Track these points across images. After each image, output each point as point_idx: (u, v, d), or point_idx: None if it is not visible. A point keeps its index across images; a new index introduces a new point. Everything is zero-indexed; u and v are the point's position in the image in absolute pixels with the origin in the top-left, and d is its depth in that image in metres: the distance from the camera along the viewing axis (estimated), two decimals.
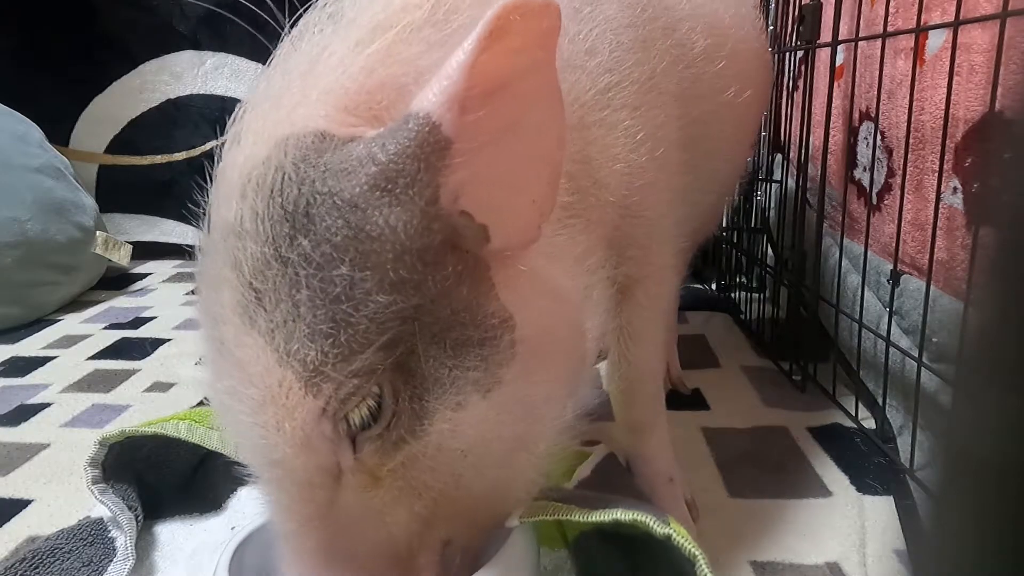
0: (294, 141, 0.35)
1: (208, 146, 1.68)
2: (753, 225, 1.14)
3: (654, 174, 0.50)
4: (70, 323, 1.24)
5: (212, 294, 0.36)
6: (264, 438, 0.35)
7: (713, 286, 1.28)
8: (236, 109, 0.39)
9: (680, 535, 0.45)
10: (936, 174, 0.61)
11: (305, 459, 0.35)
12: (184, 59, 1.70)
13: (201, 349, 0.38)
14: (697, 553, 0.44)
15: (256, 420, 0.35)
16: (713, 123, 0.60)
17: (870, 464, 0.71)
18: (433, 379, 0.35)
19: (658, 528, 0.45)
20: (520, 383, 0.38)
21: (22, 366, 1.04)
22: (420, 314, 0.34)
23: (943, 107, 0.60)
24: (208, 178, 0.39)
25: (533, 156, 0.37)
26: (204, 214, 0.38)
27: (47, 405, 0.89)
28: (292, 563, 0.38)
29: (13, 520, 0.65)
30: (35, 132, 1.40)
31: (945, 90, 0.59)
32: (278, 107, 0.36)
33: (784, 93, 1.02)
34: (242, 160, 0.36)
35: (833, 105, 0.82)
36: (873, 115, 0.74)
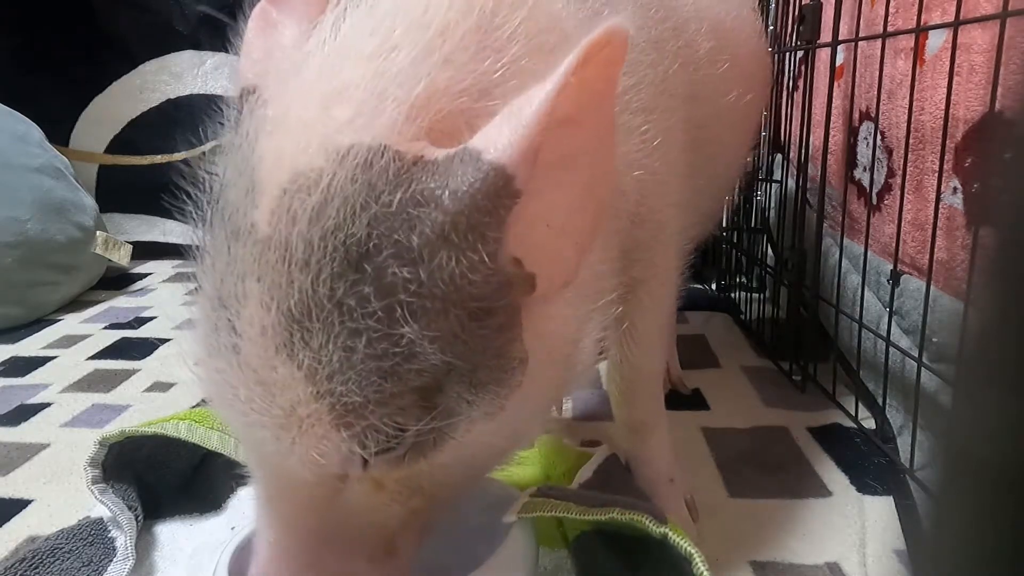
0: (359, 159, 0.31)
1: (208, 146, 1.68)
2: (753, 225, 1.14)
3: (665, 178, 0.50)
4: (70, 323, 1.24)
5: (230, 302, 0.33)
6: (275, 450, 0.34)
7: (713, 286, 1.28)
8: (249, 89, 0.35)
9: (677, 534, 0.45)
10: (936, 174, 0.61)
11: (314, 475, 0.34)
12: (184, 59, 1.70)
13: (199, 336, 0.36)
14: (693, 552, 0.44)
15: (270, 433, 0.33)
16: (715, 125, 0.61)
17: (870, 464, 0.71)
18: (452, 412, 0.34)
19: (654, 527, 0.45)
20: (522, 405, 0.37)
21: (22, 366, 1.04)
22: (457, 360, 0.33)
23: (943, 107, 0.60)
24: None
25: (584, 193, 0.35)
26: (202, 202, 0.36)
27: (47, 405, 0.89)
28: (276, 554, 0.38)
29: (13, 520, 0.65)
30: (35, 132, 1.40)
31: (945, 90, 0.59)
32: (335, 102, 0.32)
33: (784, 93, 1.02)
34: (281, 160, 0.32)
35: (833, 105, 0.82)
36: (873, 115, 0.74)
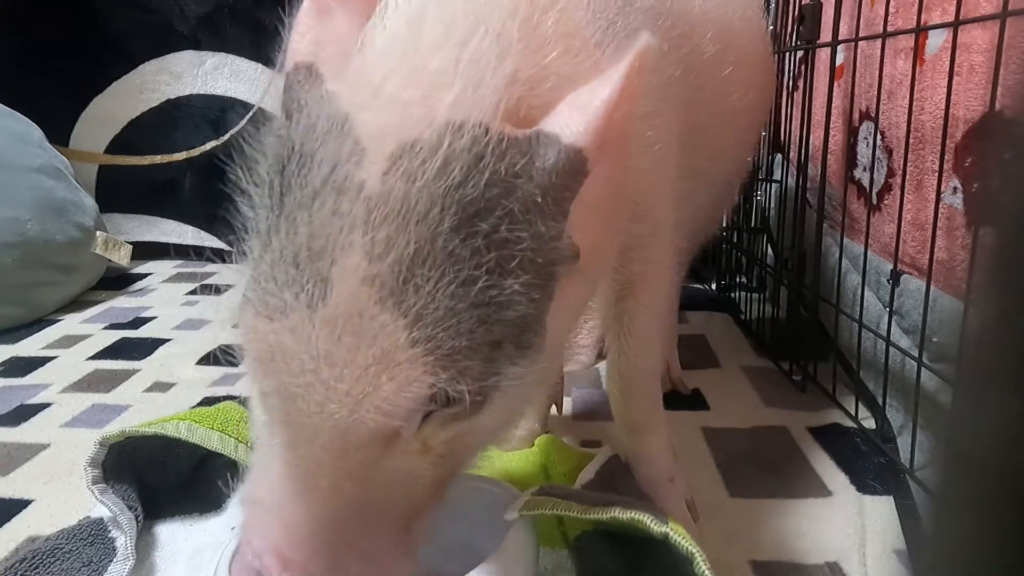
0: (472, 134, 0.34)
1: (208, 146, 1.69)
2: (753, 225, 1.14)
3: (660, 177, 0.51)
4: (70, 323, 1.24)
5: (325, 255, 0.34)
6: (338, 408, 0.34)
7: (713, 286, 1.28)
8: (304, 65, 0.37)
9: (678, 534, 0.45)
10: (936, 174, 0.61)
11: (378, 425, 0.35)
12: (184, 59, 1.69)
13: (261, 297, 0.36)
14: (695, 551, 0.44)
15: (343, 387, 0.34)
16: (717, 126, 0.61)
17: (870, 464, 0.71)
18: (500, 371, 0.37)
19: (655, 527, 0.45)
20: (534, 373, 0.39)
21: (22, 366, 1.04)
22: (517, 320, 0.36)
23: (943, 107, 0.60)
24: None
25: (613, 181, 0.39)
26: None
27: (47, 405, 0.89)
28: (295, 529, 0.37)
29: (13, 520, 0.65)
30: (35, 132, 1.40)
31: (945, 90, 0.59)
32: (436, 85, 0.35)
33: (784, 93, 1.02)
34: (386, 131, 0.35)
35: (833, 105, 0.82)
36: (873, 115, 0.74)
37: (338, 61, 0.37)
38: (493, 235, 0.35)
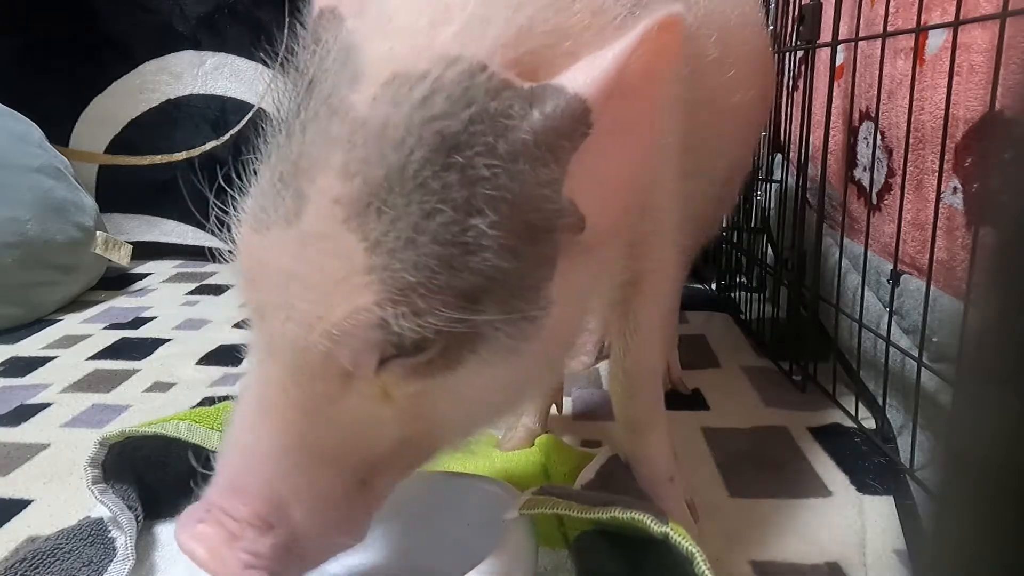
0: (466, 68, 0.34)
1: (208, 146, 1.69)
2: (753, 225, 1.14)
3: (663, 173, 0.52)
4: (70, 323, 1.24)
5: (307, 171, 0.34)
6: (300, 328, 0.34)
7: (713, 286, 1.28)
8: (329, 8, 0.38)
9: (678, 534, 0.45)
10: (936, 174, 0.61)
11: (331, 351, 0.34)
12: (184, 59, 1.70)
13: (252, 212, 0.36)
14: (694, 551, 0.44)
15: (306, 307, 0.34)
16: (718, 124, 0.61)
17: (870, 464, 0.71)
18: (480, 335, 0.36)
19: (655, 527, 0.45)
20: (536, 356, 0.39)
21: (22, 366, 1.04)
22: (505, 277, 0.35)
23: (943, 107, 0.60)
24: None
25: (634, 160, 0.38)
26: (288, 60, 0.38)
27: (47, 405, 0.89)
28: (249, 458, 0.37)
29: (13, 520, 0.65)
30: (35, 132, 1.39)
31: (945, 90, 0.59)
32: (442, 19, 0.35)
33: (784, 93, 1.02)
34: (386, 58, 0.35)
35: (833, 105, 0.82)
36: (873, 115, 0.74)
37: (358, 5, 0.37)
38: (468, 170, 0.33)
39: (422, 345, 0.34)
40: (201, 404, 0.88)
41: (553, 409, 0.80)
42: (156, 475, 0.64)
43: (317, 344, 0.34)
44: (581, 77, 0.34)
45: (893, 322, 0.72)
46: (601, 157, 0.36)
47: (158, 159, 1.70)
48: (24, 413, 0.87)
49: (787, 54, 0.98)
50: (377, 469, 0.38)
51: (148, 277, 1.53)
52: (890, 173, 0.73)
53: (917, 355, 0.65)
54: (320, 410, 0.36)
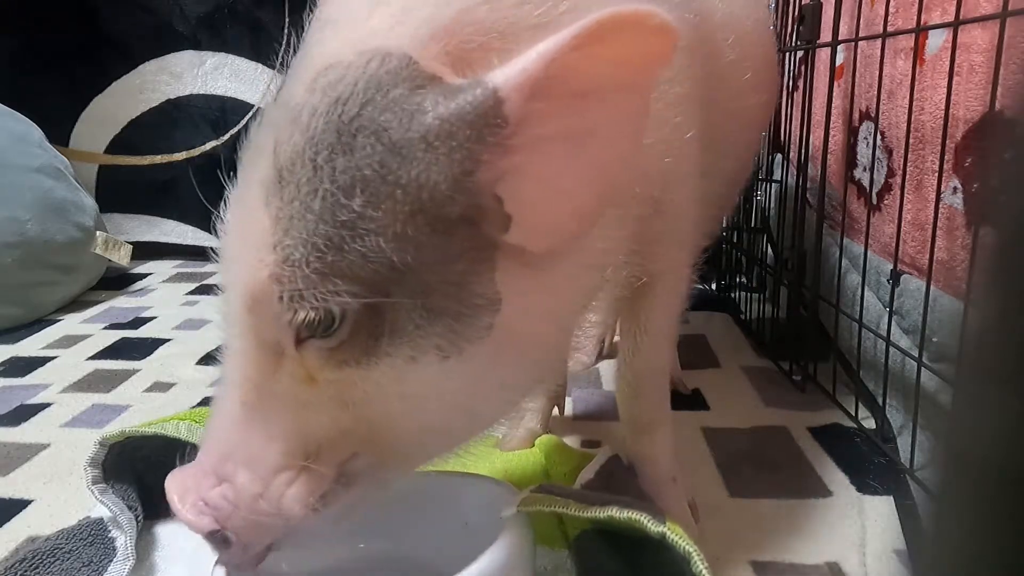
0: (379, 59, 0.35)
1: (208, 146, 1.69)
2: (753, 225, 1.14)
3: (688, 172, 0.51)
4: (70, 323, 1.24)
5: (254, 154, 0.38)
6: (232, 290, 0.38)
7: (713, 286, 1.28)
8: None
9: (675, 533, 0.45)
10: (936, 174, 0.61)
11: (250, 323, 0.37)
12: (184, 59, 1.70)
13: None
14: (692, 551, 0.44)
15: (233, 271, 0.37)
16: (729, 125, 0.61)
17: (870, 464, 0.71)
18: (397, 329, 0.36)
19: (652, 527, 0.45)
20: (483, 362, 0.38)
21: (22, 366, 1.04)
22: (409, 270, 0.35)
23: (943, 107, 0.60)
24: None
25: (594, 168, 0.37)
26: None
27: (47, 405, 0.89)
28: (212, 424, 0.40)
29: (13, 520, 0.65)
30: (35, 132, 1.40)
31: (945, 90, 0.59)
32: (378, 14, 0.37)
33: (784, 93, 1.02)
34: (328, 49, 0.37)
35: (833, 105, 0.82)
36: (873, 115, 0.74)
37: (335, 7, 0.39)
38: (362, 155, 0.34)
39: (328, 327, 0.36)
40: (201, 404, 0.88)
41: (555, 411, 0.80)
42: (156, 475, 0.63)
43: (242, 317, 0.37)
44: (503, 73, 0.33)
45: (893, 322, 0.72)
46: (546, 158, 0.35)
47: (158, 159, 1.70)
48: (24, 413, 0.87)
49: (787, 54, 0.98)
50: (322, 453, 0.39)
51: (148, 277, 1.53)
52: (890, 173, 0.73)
53: (917, 355, 0.65)
54: (263, 383, 0.38)
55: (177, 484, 0.40)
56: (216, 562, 0.45)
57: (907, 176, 0.68)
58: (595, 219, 0.38)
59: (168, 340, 1.13)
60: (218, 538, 0.39)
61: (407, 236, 0.35)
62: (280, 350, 0.37)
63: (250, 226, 0.36)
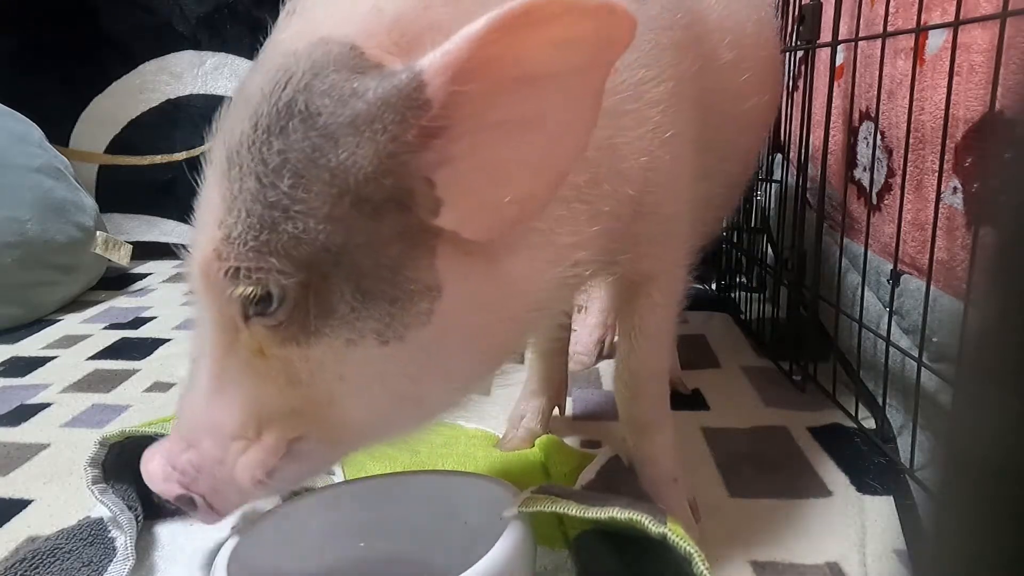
0: (324, 47, 0.36)
1: (208, 146, 1.68)
2: (753, 225, 1.14)
3: (676, 173, 0.51)
4: (70, 323, 1.24)
5: (218, 137, 0.39)
6: (191, 262, 0.40)
7: (713, 286, 1.28)
8: None
9: (676, 534, 0.45)
10: (936, 174, 0.61)
11: (208, 298, 0.39)
12: (184, 59, 1.70)
13: None
14: (693, 551, 0.44)
15: (192, 245, 0.40)
16: (728, 127, 0.61)
17: (870, 464, 0.71)
18: (334, 311, 0.37)
19: (653, 527, 0.45)
20: (425, 349, 0.39)
21: (22, 366, 1.04)
22: (342, 252, 0.36)
23: (943, 107, 0.60)
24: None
25: (539, 157, 0.37)
26: None
27: (47, 405, 0.89)
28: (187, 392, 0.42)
29: (13, 520, 0.65)
30: (35, 132, 1.40)
31: (945, 90, 0.59)
32: (336, 5, 0.38)
33: (784, 93, 1.02)
34: (286, 38, 0.38)
35: (833, 105, 0.82)
36: (873, 115, 0.74)
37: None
38: (295, 138, 0.35)
39: (268, 304, 0.37)
40: None
41: (555, 411, 0.80)
42: None
43: (201, 292, 0.39)
44: (429, 57, 0.33)
45: (893, 322, 0.72)
46: (485, 144, 0.35)
47: (158, 159, 1.70)
48: (24, 413, 0.87)
49: (787, 54, 0.98)
50: (273, 427, 0.40)
51: (148, 277, 1.53)
52: (890, 173, 0.73)
53: (917, 355, 0.65)
54: (224, 356, 0.40)
55: (150, 452, 0.42)
56: (216, 562, 0.45)
57: (907, 176, 0.68)
58: (540, 208, 0.38)
59: (168, 340, 1.13)
60: (184, 500, 0.41)
61: (336, 218, 0.36)
62: (236, 324, 0.39)
63: (206, 205, 0.39)
